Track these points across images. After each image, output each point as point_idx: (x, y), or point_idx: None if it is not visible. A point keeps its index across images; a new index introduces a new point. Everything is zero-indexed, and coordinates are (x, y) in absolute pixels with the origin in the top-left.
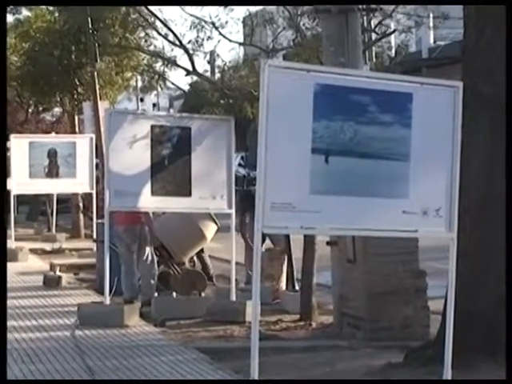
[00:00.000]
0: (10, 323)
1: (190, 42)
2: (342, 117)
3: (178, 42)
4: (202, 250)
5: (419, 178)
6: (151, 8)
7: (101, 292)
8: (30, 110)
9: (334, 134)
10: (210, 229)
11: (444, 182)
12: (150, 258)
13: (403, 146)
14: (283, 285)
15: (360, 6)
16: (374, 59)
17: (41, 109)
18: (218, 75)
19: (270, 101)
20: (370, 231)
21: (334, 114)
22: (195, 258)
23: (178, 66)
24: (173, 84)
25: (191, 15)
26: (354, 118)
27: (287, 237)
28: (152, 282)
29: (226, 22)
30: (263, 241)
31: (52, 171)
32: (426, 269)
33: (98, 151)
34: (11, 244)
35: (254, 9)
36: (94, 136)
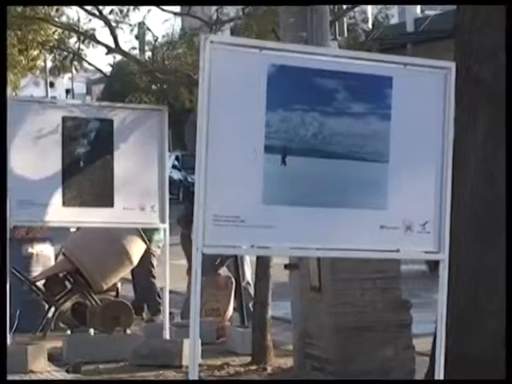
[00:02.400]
0: None
1: (111, 11)
2: (304, 106)
3: (96, 12)
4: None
5: (401, 183)
6: None
7: None
8: None
9: (293, 129)
10: (137, 248)
11: (432, 188)
12: None
13: (381, 144)
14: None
15: None
16: (346, 34)
17: None
18: (148, 54)
19: (212, 86)
20: (339, 251)
21: (293, 103)
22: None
23: (97, 41)
24: (90, 65)
25: None
26: (319, 108)
27: (235, 259)
28: None
29: None
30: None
31: None
32: (411, 298)
33: None
34: None
35: None
36: None
